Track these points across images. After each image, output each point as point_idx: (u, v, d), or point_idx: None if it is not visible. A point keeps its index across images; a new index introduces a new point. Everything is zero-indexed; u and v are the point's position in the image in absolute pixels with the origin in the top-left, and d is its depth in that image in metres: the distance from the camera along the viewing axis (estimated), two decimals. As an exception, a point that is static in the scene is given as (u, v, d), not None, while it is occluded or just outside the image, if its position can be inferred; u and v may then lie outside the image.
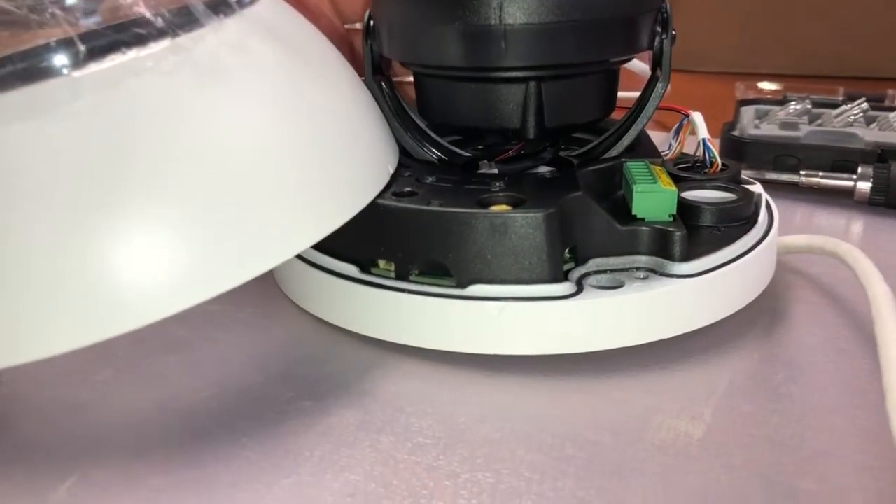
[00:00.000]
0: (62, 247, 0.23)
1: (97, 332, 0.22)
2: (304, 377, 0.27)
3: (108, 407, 0.26)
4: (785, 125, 0.47)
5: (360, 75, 0.42)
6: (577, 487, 0.22)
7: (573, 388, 0.27)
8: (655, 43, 0.32)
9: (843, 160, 0.42)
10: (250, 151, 0.25)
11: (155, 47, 0.25)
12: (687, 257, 0.28)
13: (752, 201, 0.32)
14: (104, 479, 0.23)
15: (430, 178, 0.31)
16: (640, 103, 0.33)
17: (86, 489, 0.22)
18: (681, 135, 0.37)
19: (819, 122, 0.49)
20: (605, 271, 0.29)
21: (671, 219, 0.29)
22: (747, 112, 0.50)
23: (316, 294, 0.30)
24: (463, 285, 0.28)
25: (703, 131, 0.35)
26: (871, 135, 0.45)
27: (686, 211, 0.30)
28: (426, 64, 0.32)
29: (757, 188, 0.34)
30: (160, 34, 0.25)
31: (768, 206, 0.34)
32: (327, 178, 0.27)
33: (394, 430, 0.24)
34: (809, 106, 0.49)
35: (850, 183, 0.41)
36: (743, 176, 0.36)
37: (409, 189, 0.30)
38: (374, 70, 0.34)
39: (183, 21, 0.26)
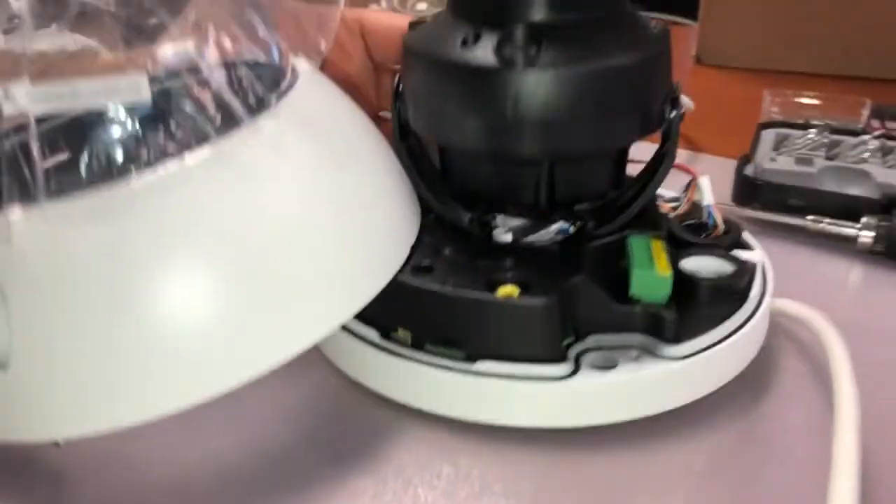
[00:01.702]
0: (125, 337, 0.26)
1: (158, 409, 0.26)
2: (327, 439, 0.31)
3: (156, 462, 0.30)
4: (800, 160, 0.48)
5: (386, 107, 0.44)
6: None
7: (564, 463, 0.30)
8: (665, 120, 0.34)
9: (850, 206, 0.44)
10: (287, 245, 0.28)
11: (201, 154, 0.27)
12: (678, 338, 0.31)
13: (746, 275, 0.34)
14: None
15: (447, 250, 0.33)
16: (650, 175, 0.35)
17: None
18: (689, 193, 0.39)
19: (837, 150, 0.50)
20: (601, 348, 0.32)
21: (665, 300, 0.32)
22: (766, 139, 0.52)
23: (341, 352, 0.34)
24: (472, 360, 0.31)
25: (707, 197, 0.37)
26: (883, 174, 0.46)
27: (682, 283, 0.33)
28: (444, 142, 0.34)
29: (755, 255, 0.36)
30: (206, 138, 0.28)
31: (764, 273, 0.36)
32: (354, 262, 0.30)
33: (402, 502, 0.28)
34: (826, 140, 0.50)
35: (854, 231, 0.43)
36: (745, 236, 0.38)
37: (426, 263, 0.32)
38: (401, 133, 0.36)
39: (225, 121, 0.29)
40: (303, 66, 0.33)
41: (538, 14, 0.31)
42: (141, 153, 0.28)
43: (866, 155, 0.48)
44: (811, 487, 0.28)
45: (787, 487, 0.29)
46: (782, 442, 0.31)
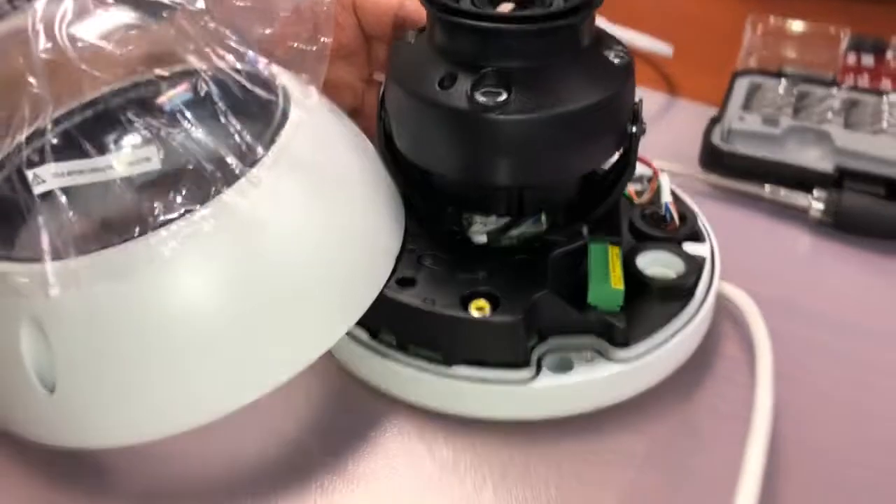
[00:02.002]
0: (151, 366, 0.31)
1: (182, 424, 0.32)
2: (327, 430, 0.36)
3: (185, 456, 0.35)
4: (767, 120, 0.51)
5: (378, 71, 0.47)
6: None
7: (526, 451, 0.35)
8: (627, 136, 0.37)
9: (806, 177, 0.48)
10: (290, 276, 0.33)
11: (207, 209, 0.31)
12: (627, 343, 0.36)
13: (694, 273, 0.38)
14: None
15: (428, 261, 0.37)
16: (614, 179, 0.39)
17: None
18: (651, 184, 0.43)
19: (804, 102, 0.53)
20: (560, 349, 0.36)
21: (618, 309, 0.36)
22: (739, 90, 0.54)
23: (341, 349, 0.39)
24: (449, 364, 0.36)
25: (666, 194, 0.41)
26: (842, 136, 0.49)
27: (636, 283, 0.37)
28: (423, 165, 0.38)
29: (705, 249, 0.40)
30: (207, 192, 0.32)
31: (713, 262, 0.40)
32: (351, 277, 0.35)
33: (389, 489, 0.34)
34: (795, 94, 0.53)
35: (806, 203, 0.47)
36: (700, 223, 0.42)
37: (409, 275, 0.37)
38: (386, 141, 0.39)
39: (224, 174, 0.32)
40: (295, 98, 0.35)
41: (509, 60, 0.34)
42: (155, 210, 0.31)
43: (830, 115, 0.51)
44: (730, 473, 0.33)
45: (710, 473, 0.34)
46: (711, 429, 0.36)
